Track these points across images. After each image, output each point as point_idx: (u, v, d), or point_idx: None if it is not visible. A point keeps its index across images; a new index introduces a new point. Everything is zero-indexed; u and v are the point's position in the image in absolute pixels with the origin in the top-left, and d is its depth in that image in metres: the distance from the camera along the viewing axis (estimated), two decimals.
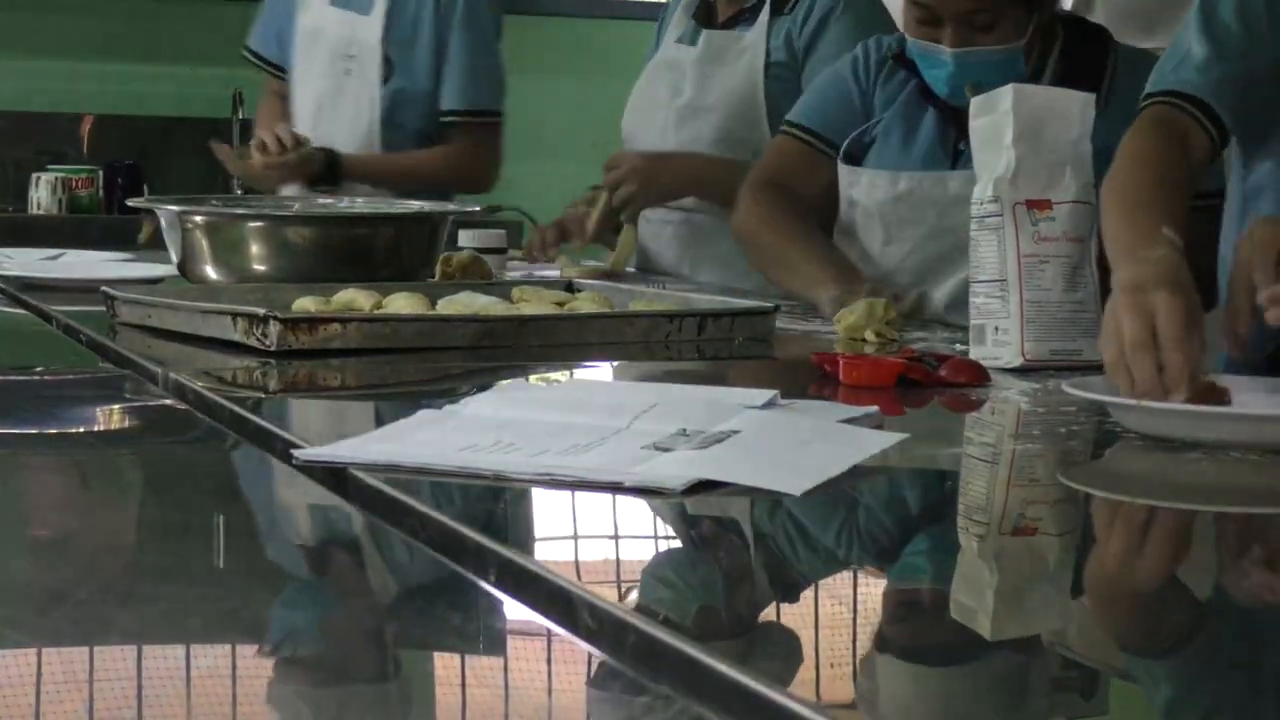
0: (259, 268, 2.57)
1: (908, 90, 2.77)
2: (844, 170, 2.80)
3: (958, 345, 2.25)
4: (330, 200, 3.14)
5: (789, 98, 3.07)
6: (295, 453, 1.46)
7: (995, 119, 2.14)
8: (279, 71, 4.04)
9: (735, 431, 1.50)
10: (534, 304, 2.33)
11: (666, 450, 1.44)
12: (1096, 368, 1.90)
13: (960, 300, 2.64)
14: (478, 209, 3.06)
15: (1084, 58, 2.65)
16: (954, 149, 2.70)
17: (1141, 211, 1.96)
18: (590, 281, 2.64)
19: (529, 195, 3.81)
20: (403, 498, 1.34)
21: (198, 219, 2.62)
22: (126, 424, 1.88)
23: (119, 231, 4.76)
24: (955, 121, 2.68)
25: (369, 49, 3.78)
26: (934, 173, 2.70)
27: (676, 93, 3.34)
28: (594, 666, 1.08)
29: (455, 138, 3.84)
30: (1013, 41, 2.58)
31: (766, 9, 3.28)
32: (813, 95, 2.94)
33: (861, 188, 2.77)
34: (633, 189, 3.24)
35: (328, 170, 3.71)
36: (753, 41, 3.27)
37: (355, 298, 2.25)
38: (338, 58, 3.82)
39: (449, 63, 3.80)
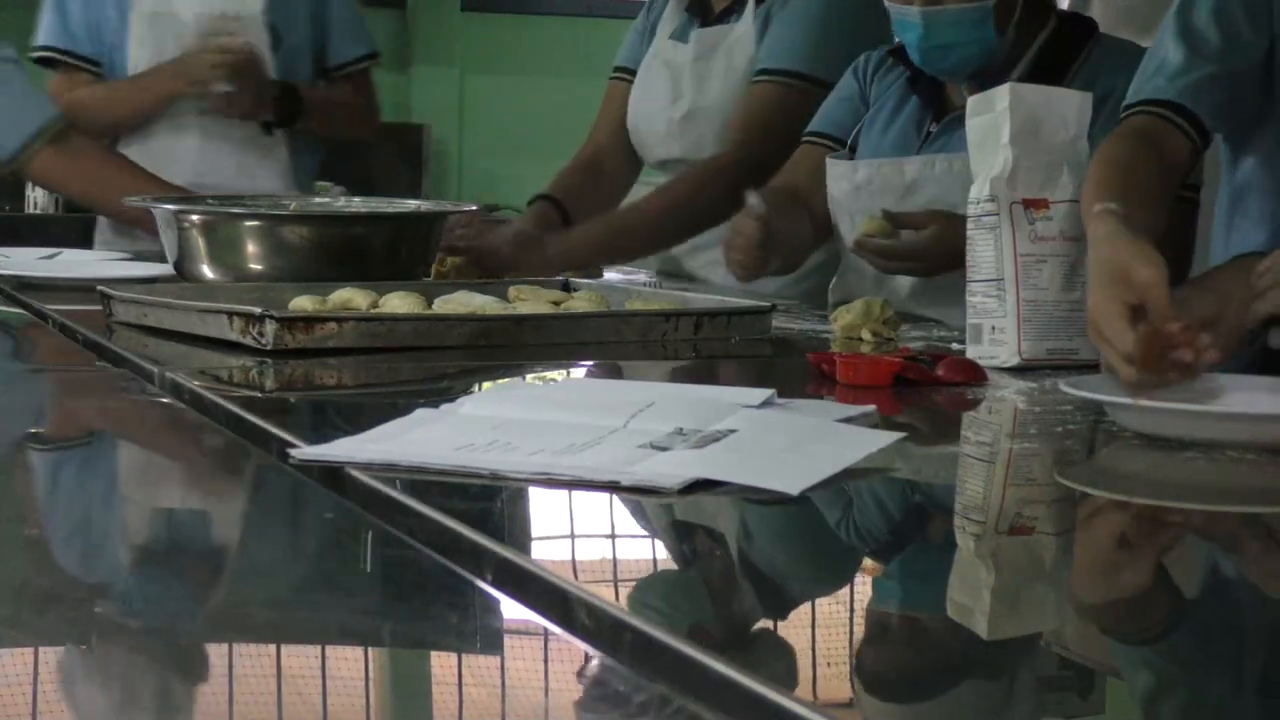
0: (255, 267, 2.57)
1: (899, 83, 2.79)
2: (828, 164, 2.81)
3: (955, 344, 2.25)
4: (327, 200, 3.14)
5: None
6: (292, 452, 1.46)
7: (992, 118, 2.14)
8: (94, 66, 3.73)
9: (732, 431, 1.50)
10: (530, 303, 2.33)
11: (663, 449, 1.44)
12: (1093, 367, 1.90)
13: (921, 288, 2.65)
14: (475, 208, 3.05)
15: (1067, 43, 2.67)
16: (925, 132, 2.71)
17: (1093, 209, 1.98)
18: (587, 281, 2.64)
19: (527, 195, 3.78)
20: (399, 497, 1.34)
21: (194, 218, 2.62)
22: (123, 423, 1.87)
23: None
24: (934, 105, 2.70)
25: (250, 21, 3.66)
26: (891, 160, 2.72)
27: (676, 95, 3.31)
28: (590, 666, 1.08)
29: (351, 86, 3.79)
30: (979, 1, 2.58)
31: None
32: (825, 104, 2.95)
33: (832, 180, 2.79)
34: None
35: (285, 104, 3.59)
36: (741, 35, 3.24)
37: (352, 297, 2.25)
38: (205, 35, 3.63)
39: (335, 14, 3.76)
